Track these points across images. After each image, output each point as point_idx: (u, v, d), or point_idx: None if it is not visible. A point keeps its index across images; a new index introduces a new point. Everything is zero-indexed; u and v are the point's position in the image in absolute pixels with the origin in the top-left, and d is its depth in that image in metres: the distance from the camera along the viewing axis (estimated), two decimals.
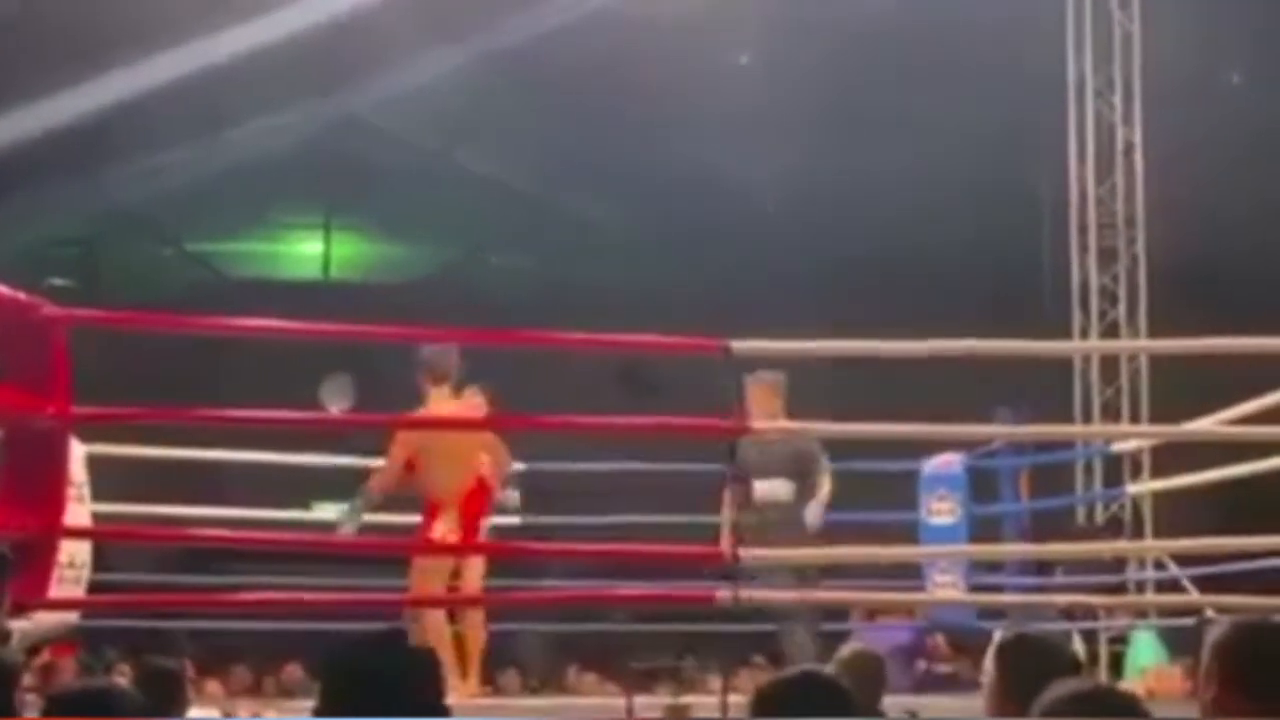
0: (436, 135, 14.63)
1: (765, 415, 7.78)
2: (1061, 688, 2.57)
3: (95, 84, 12.43)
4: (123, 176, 13.85)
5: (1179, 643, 9.56)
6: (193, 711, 6.51)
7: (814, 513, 8.11)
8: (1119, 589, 10.09)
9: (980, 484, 10.02)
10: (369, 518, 7.87)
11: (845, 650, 6.36)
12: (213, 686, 10.25)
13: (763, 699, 3.05)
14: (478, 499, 8.18)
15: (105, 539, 8.08)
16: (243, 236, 16.69)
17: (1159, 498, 11.46)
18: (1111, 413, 12.03)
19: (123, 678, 7.38)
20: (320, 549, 7.97)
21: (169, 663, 6.09)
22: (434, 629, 7.82)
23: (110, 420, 6.96)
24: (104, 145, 13.42)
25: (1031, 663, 3.41)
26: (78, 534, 6.26)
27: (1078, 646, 9.08)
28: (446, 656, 7.88)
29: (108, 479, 7.52)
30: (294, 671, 10.91)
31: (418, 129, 14.46)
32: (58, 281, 13.46)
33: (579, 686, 11.18)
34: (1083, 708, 2.53)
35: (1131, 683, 8.71)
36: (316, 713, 2.95)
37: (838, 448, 9.03)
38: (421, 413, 8.06)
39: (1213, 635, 3.51)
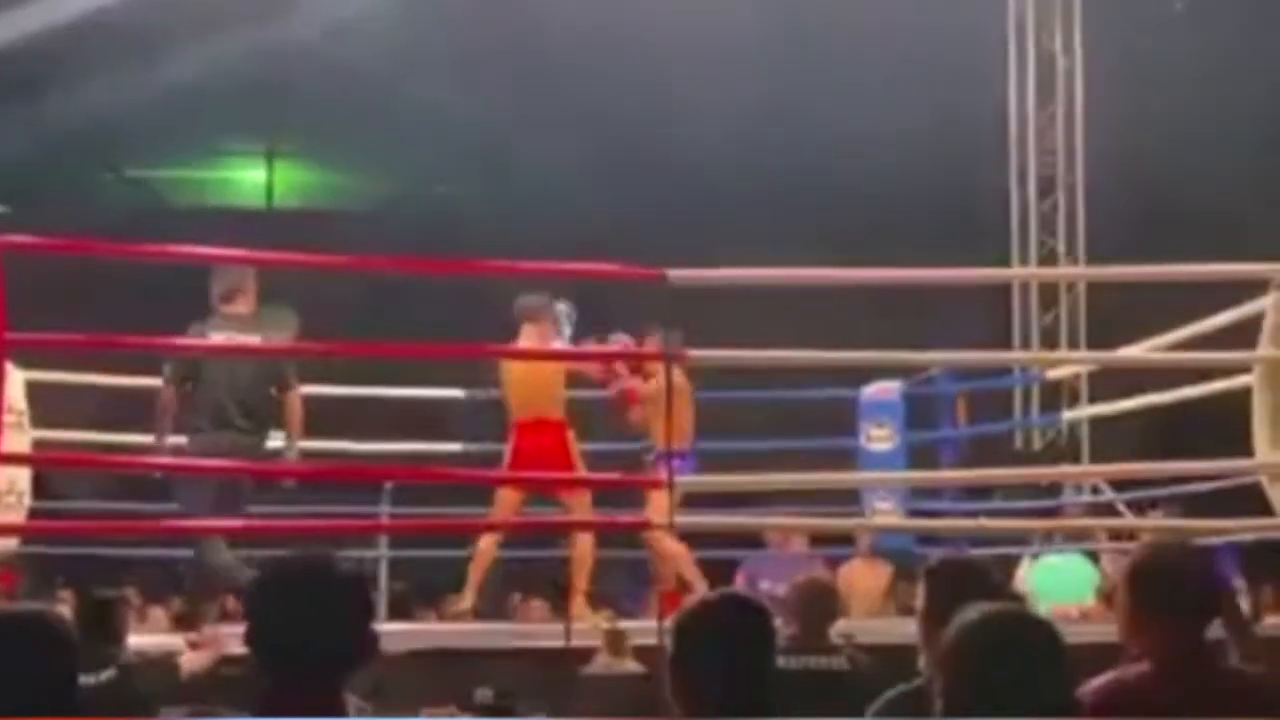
0: (382, 64, 14.53)
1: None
2: (972, 610, 2.63)
3: (33, 7, 12.29)
4: (62, 101, 13.71)
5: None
6: (135, 638, 6.53)
7: None
8: (1055, 513, 10.20)
9: (918, 411, 10.10)
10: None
11: (801, 578, 6.49)
12: (156, 613, 10.26)
13: (684, 620, 3.11)
14: None
15: (45, 466, 8.08)
16: (185, 163, 16.58)
17: (1095, 423, 11.59)
18: (1049, 339, 12.14)
19: (64, 605, 7.43)
20: (263, 477, 7.97)
21: (109, 592, 6.12)
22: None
23: (46, 346, 6.96)
24: (43, 70, 13.28)
25: (958, 586, 3.47)
26: (16, 460, 6.28)
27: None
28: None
29: (50, 406, 7.53)
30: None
31: (363, 58, 14.35)
32: None
33: (526, 613, 11.22)
34: (990, 629, 2.59)
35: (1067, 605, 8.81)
36: (246, 637, 2.97)
37: (777, 375, 9.10)
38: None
39: (1130, 558, 3.63)
